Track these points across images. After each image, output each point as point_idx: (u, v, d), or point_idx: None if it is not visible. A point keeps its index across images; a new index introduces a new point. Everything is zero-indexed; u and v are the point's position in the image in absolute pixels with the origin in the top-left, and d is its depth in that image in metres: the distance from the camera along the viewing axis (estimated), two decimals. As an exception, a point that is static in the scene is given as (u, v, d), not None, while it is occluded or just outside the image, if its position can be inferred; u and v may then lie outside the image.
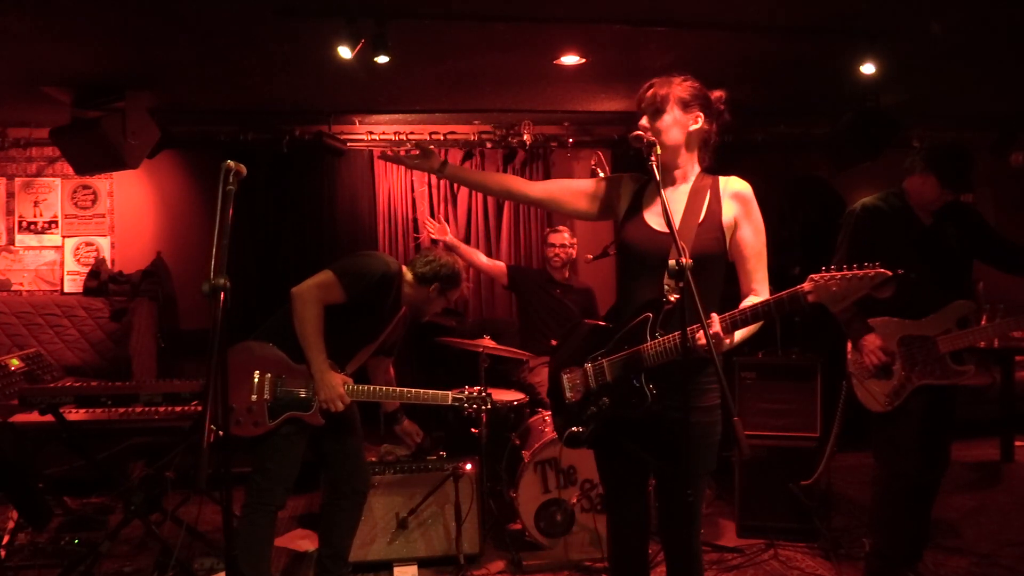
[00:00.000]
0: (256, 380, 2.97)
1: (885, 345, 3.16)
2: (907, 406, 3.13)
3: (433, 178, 5.97)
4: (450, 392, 3.24)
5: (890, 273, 1.84)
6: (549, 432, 3.81)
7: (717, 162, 2.32)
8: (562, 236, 4.85)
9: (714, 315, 2.00)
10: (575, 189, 2.46)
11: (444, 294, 3.32)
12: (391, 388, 3.18)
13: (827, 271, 1.91)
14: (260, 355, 3.02)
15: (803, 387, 4.05)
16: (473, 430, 4.03)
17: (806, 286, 1.94)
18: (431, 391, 3.18)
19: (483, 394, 3.31)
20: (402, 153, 2.62)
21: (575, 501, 3.76)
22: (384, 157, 2.72)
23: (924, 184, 3.16)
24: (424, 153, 2.50)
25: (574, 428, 2.30)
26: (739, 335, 2.11)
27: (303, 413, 2.98)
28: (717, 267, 2.19)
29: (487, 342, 4.07)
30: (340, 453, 3.19)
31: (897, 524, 3.18)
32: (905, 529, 3.21)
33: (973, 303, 3.17)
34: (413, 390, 3.15)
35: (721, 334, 1.99)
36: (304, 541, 4.08)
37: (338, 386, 2.98)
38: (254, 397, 2.94)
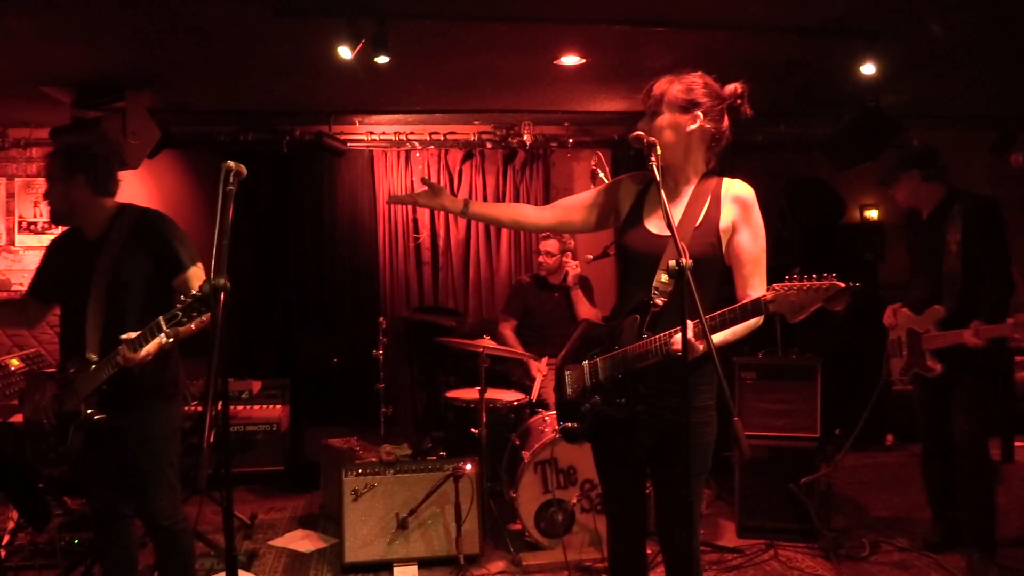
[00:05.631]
0: None
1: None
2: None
3: (433, 178, 5.97)
4: (160, 316, 2.56)
5: (842, 285, 1.83)
6: (549, 432, 3.81)
7: (718, 162, 2.30)
8: (551, 244, 4.81)
9: (689, 321, 1.94)
10: (579, 204, 2.43)
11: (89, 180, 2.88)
12: (110, 357, 2.67)
13: (789, 280, 1.89)
14: None
15: (803, 387, 4.04)
16: (473, 430, 4.03)
17: (768, 295, 1.93)
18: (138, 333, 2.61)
19: (197, 295, 2.44)
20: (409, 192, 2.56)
21: (575, 501, 3.77)
22: (392, 200, 2.62)
23: (910, 183, 3.60)
24: (433, 190, 2.45)
25: (568, 424, 2.34)
26: (718, 339, 2.04)
27: None
28: (711, 270, 2.17)
29: (487, 342, 4.07)
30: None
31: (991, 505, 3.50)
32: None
33: (942, 310, 3.47)
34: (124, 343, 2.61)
35: (693, 339, 1.95)
36: (304, 541, 4.08)
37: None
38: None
